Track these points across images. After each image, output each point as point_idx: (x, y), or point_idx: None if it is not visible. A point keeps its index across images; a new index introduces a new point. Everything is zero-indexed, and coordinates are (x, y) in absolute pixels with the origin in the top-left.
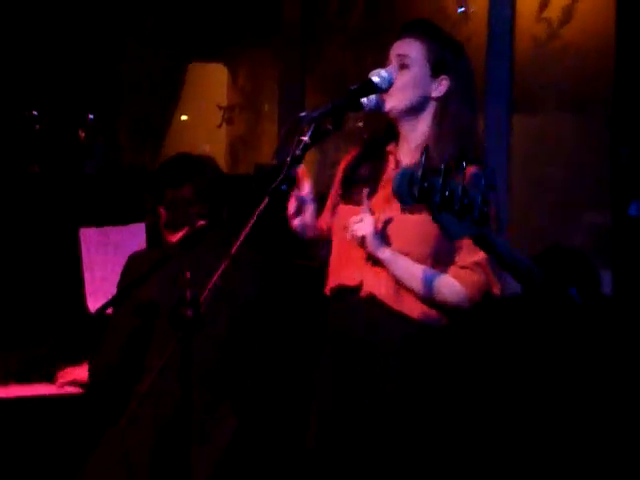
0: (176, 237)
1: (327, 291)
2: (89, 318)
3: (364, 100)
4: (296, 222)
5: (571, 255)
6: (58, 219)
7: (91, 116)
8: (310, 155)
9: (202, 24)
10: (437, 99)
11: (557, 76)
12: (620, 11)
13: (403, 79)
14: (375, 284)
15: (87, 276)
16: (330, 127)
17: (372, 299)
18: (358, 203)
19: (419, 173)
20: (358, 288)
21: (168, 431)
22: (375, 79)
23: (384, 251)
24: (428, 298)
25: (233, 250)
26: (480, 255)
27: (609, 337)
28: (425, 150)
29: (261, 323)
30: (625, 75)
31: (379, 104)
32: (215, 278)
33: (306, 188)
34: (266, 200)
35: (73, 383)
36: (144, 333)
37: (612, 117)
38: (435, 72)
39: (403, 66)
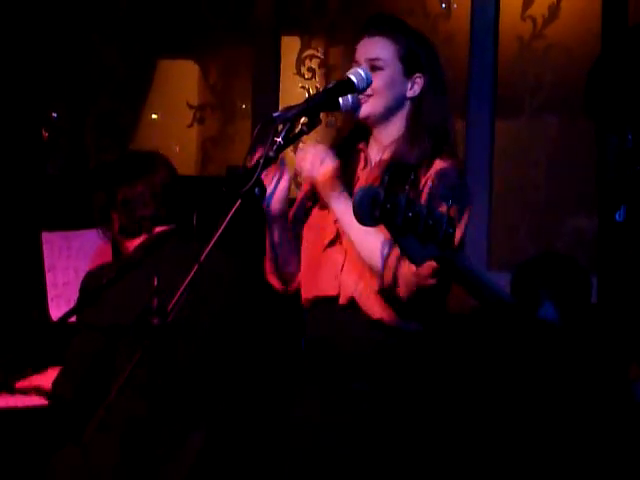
0: (133, 244)
1: (302, 303)
2: (51, 326)
3: (341, 100)
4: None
5: (563, 262)
6: (19, 222)
7: (55, 114)
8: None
9: (171, 19)
10: (411, 98)
11: (542, 76)
12: (606, 9)
13: (377, 82)
14: (354, 287)
15: (49, 281)
16: (305, 128)
17: (352, 305)
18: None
19: (382, 193)
20: (337, 297)
21: (134, 446)
22: (353, 78)
23: (338, 199)
24: (366, 262)
25: (202, 257)
26: None
27: (593, 345)
28: (388, 169)
29: (234, 332)
30: (612, 74)
31: (356, 104)
32: (184, 286)
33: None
34: (238, 203)
35: (36, 390)
36: (107, 354)
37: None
38: (409, 71)
39: (375, 68)
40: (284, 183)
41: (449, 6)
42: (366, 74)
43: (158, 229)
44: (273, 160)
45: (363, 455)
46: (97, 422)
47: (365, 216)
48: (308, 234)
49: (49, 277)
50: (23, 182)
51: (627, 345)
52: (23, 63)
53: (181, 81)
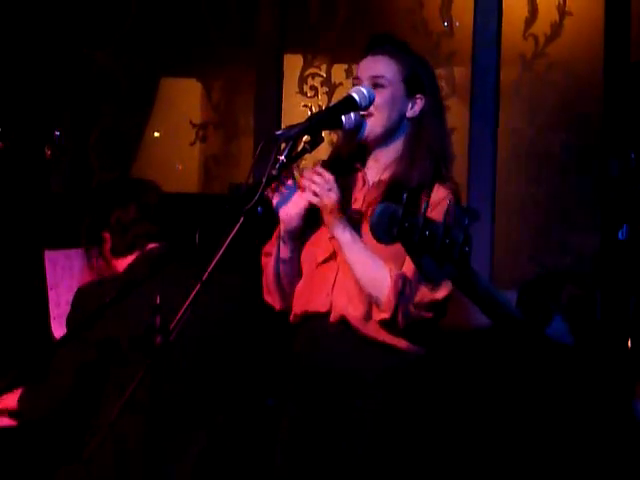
0: (124, 262)
1: (291, 319)
2: (53, 344)
3: (344, 118)
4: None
5: (567, 280)
6: (22, 241)
7: (58, 132)
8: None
9: (174, 37)
10: (411, 119)
11: (544, 94)
12: (608, 27)
13: (379, 100)
14: (346, 306)
15: (52, 299)
16: (307, 146)
17: (343, 323)
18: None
19: (400, 211)
20: (328, 313)
21: (132, 462)
22: (355, 96)
23: (344, 231)
24: (366, 292)
25: (205, 275)
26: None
27: (597, 362)
28: (408, 190)
29: (231, 347)
30: (614, 94)
31: (359, 122)
32: (187, 304)
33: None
34: (240, 221)
35: (5, 412)
36: (96, 368)
37: (601, 135)
38: (410, 91)
39: (377, 86)
40: (304, 202)
41: (451, 24)
42: (369, 92)
43: (150, 246)
44: (276, 178)
45: (350, 472)
46: (100, 439)
47: (382, 233)
48: (307, 253)
49: (52, 295)
50: (26, 200)
51: (630, 362)
52: (26, 81)
53: (184, 99)
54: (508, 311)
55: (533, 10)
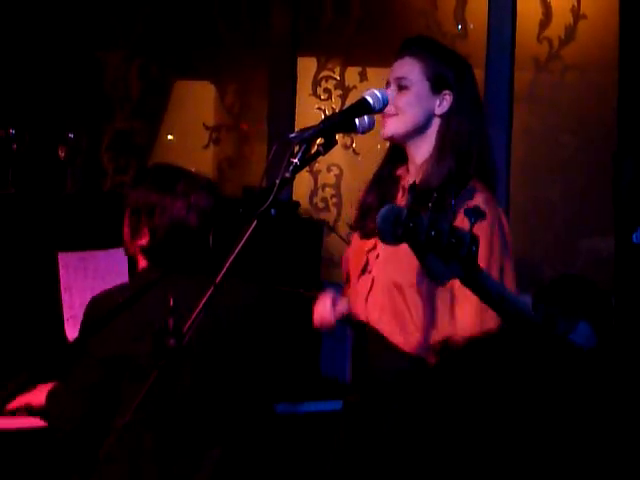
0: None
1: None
2: (66, 346)
3: (357, 120)
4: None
5: (584, 285)
6: (35, 243)
7: (71, 135)
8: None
9: (188, 40)
10: (441, 116)
11: (558, 97)
12: (623, 31)
13: (403, 100)
14: (378, 320)
15: (65, 302)
16: (321, 149)
17: (377, 332)
18: (366, 234)
19: (405, 212)
20: (367, 321)
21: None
22: (369, 99)
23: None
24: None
25: (218, 278)
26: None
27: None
28: (412, 187)
29: (248, 352)
30: (629, 97)
31: (372, 125)
32: (200, 307)
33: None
34: (254, 224)
35: (26, 409)
36: (110, 386)
37: (615, 137)
38: (436, 88)
39: (402, 87)
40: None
41: (465, 27)
42: (382, 95)
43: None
44: (289, 181)
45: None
46: (113, 442)
47: (388, 235)
48: (351, 259)
49: (65, 297)
50: (39, 202)
51: None
52: (40, 83)
53: (197, 102)
54: (522, 312)
55: (547, 13)
